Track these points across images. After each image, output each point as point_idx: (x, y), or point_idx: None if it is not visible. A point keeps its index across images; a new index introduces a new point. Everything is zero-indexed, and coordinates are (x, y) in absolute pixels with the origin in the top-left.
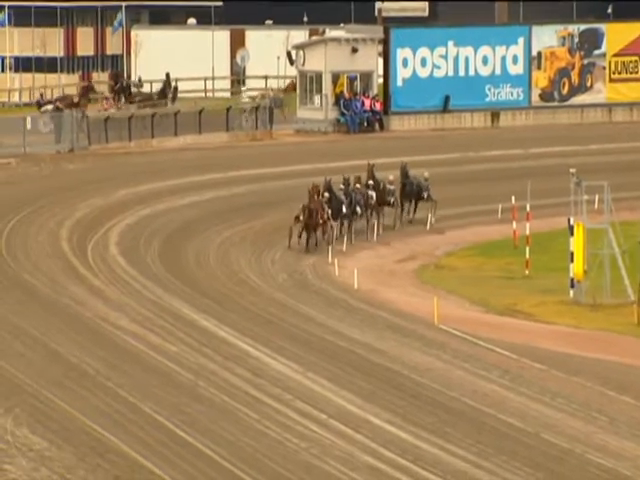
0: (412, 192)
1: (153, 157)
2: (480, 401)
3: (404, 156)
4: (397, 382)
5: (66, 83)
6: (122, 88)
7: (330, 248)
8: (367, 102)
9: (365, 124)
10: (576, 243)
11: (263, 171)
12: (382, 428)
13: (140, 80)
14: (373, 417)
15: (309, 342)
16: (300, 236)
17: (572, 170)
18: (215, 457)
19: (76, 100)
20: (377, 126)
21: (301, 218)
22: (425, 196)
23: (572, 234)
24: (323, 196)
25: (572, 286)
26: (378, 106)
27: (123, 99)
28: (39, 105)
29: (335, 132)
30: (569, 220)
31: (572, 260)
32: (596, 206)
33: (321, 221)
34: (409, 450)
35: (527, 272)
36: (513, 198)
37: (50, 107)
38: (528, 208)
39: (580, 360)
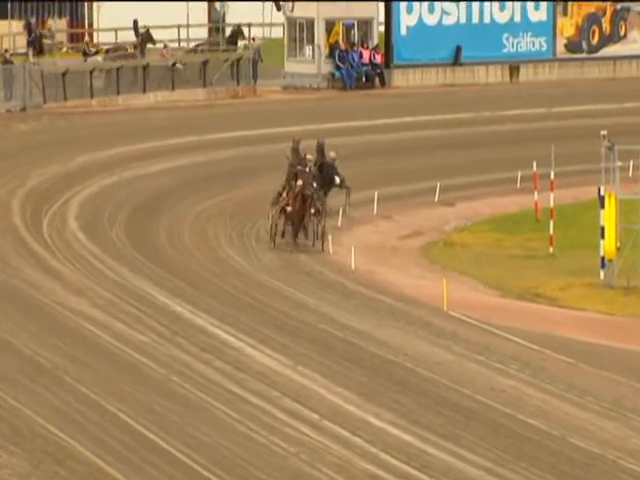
0: (328, 176)
1: (118, 117)
2: (497, 399)
3: (408, 116)
4: (401, 377)
5: (18, 31)
6: (36, 38)
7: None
8: (366, 54)
9: (364, 79)
10: (607, 216)
11: (245, 133)
12: (383, 430)
13: (48, 31)
14: (373, 418)
15: (299, 331)
16: (295, 235)
17: (603, 132)
18: (190, 463)
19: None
20: (377, 82)
21: (288, 209)
22: (338, 181)
23: (603, 206)
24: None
25: (602, 266)
26: (379, 58)
27: (31, 51)
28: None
29: (329, 89)
30: (599, 190)
31: (603, 236)
32: (630, 173)
33: (314, 210)
34: (415, 456)
35: (551, 250)
36: (535, 164)
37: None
38: (552, 176)
39: (612, 352)
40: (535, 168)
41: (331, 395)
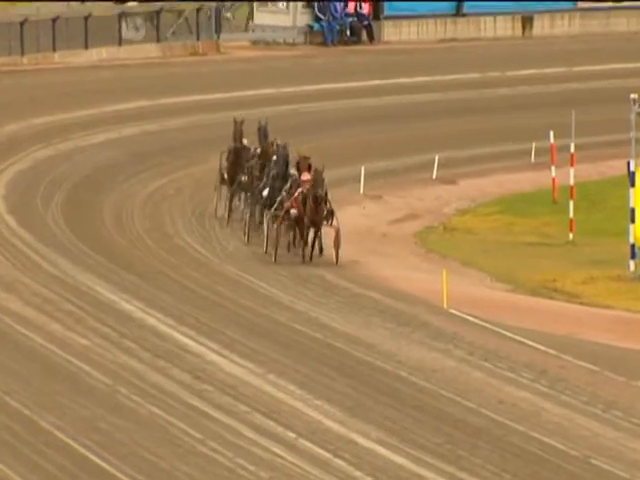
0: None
1: (55, 77)
2: (506, 414)
3: (400, 77)
4: (392, 388)
5: None
6: None
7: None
8: (351, 3)
9: (348, 33)
10: (638, 197)
11: (207, 97)
12: (371, 451)
13: None
14: (359, 436)
15: (271, 333)
16: (295, 244)
17: (633, 96)
18: None
19: None
20: (365, 36)
21: (292, 211)
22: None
23: (633, 184)
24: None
25: (633, 256)
26: (366, 8)
27: None
28: None
29: (306, 44)
30: (629, 164)
31: (633, 220)
32: None
33: (327, 212)
34: None
35: (571, 236)
36: (552, 134)
37: None
38: (572, 148)
39: None
40: (552, 139)
41: (309, 409)
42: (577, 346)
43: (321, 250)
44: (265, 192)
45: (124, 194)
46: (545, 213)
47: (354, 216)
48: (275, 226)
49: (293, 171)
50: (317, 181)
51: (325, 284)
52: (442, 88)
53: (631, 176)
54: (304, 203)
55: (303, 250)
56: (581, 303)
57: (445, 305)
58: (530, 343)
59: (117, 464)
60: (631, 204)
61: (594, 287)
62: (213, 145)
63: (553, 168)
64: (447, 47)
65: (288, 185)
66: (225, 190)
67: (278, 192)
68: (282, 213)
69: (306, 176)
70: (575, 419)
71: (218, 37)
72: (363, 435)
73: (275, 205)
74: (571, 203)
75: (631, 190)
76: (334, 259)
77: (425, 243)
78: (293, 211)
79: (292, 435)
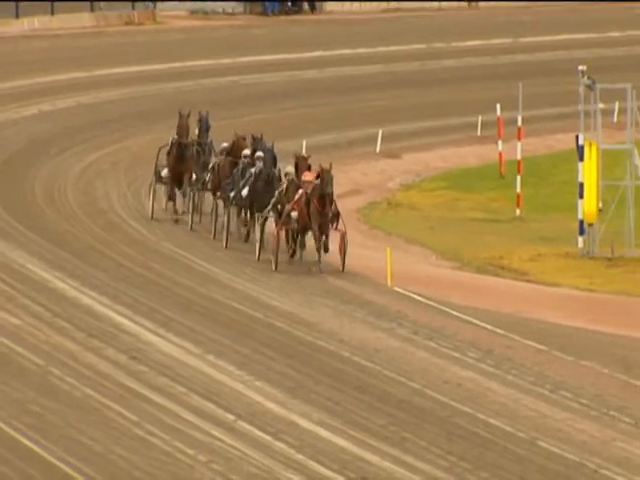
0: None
1: None
2: (452, 395)
3: (344, 48)
4: (334, 368)
5: None
6: None
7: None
8: None
9: (289, 3)
10: (587, 171)
11: (143, 69)
12: (313, 433)
13: None
14: (300, 418)
15: (209, 312)
16: (293, 251)
17: (581, 67)
18: (77, 476)
19: None
20: (306, 6)
21: (293, 215)
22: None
23: (582, 158)
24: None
25: (581, 232)
26: None
27: None
28: None
29: (246, 14)
30: (577, 138)
31: (581, 195)
32: (615, 118)
33: (332, 213)
34: (351, 464)
35: (518, 212)
36: (498, 107)
37: None
38: (519, 122)
39: (593, 337)
40: (499, 112)
41: (249, 391)
42: (524, 325)
43: (326, 250)
44: (244, 192)
45: (57, 168)
46: (491, 188)
47: None
48: (275, 231)
49: (289, 169)
50: (325, 180)
51: (266, 262)
52: (385, 60)
53: (579, 150)
54: (307, 205)
55: (294, 253)
56: (528, 281)
57: (389, 283)
58: (476, 322)
59: (50, 447)
60: (579, 179)
61: (542, 264)
62: (150, 118)
63: (500, 142)
64: (391, 17)
65: (284, 186)
66: (161, 189)
67: (265, 194)
68: (283, 216)
69: (308, 176)
70: (522, 400)
71: (154, 6)
72: (304, 417)
73: (268, 208)
74: (518, 178)
75: (579, 164)
76: (340, 265)
77: (369, 219)
78: (294, 214)
79: (231, 417)
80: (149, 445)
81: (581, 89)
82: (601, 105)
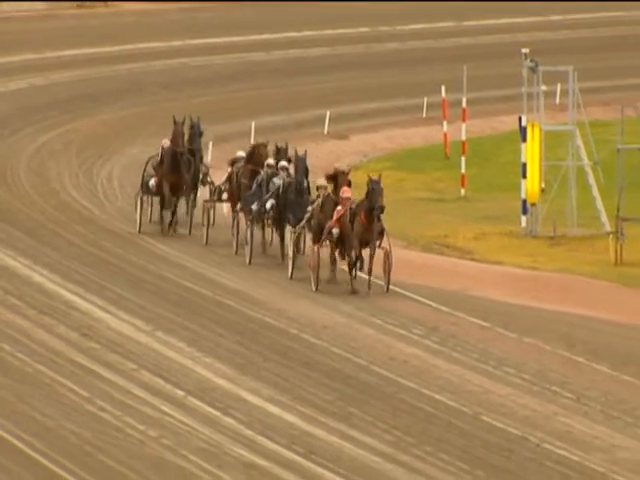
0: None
1: None
2: (397, 371)
3: (291, 31)
4: (282, 345)
5: None
6: None
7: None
8: None
9: None
10: (529, 151)
11: (95, 51)
12: (261, 409)
13: None
14: (249, 394)
15: (159, 290)
16: (334, 268)
17: (525, 50)
18: (28, 451)
19: None
20: None
21: (334, 232)
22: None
23: (524, 139)
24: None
25: (524, 212)
26: None
27: None
28: None
29: None
30: (520, 120)
31: (524, 175)
32: (557, 100)
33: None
34: (299, 439)
35: (463, 192)
36: (443, 89)
37: None
38: (464, 103)
39: (536, 314)
40: (444, 94)
41: (198, 367)
42: (469, 302)
43: (361, 267)
44: (269, 204)
45: (10, 149)
46: (437, 169)
47: None
48: (315, 248)
49: (322, 182)
50: (375, 192)
51: (214, 241)
52: (331, 42)
53: (522, 131)
54: (351, 221)
55: (350, 272)
56: (473, 259)
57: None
58: (421, 299)
59: (1, 422)
60: (522, 159)
61: (485, 243)
62: (102, 99)
63: (445, 123)
64: (334, 4)
65: (319, 201)
66: (150, 201)
67: (296, 206)
68: (325, 234)
69: (347, 193)
70: (466, 375)
71: None
72: (253, 393)
73: (302, 223)
74: (463, 158)
75: (522, 145)
76: (385, 285)
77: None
78: (335, 230)
79: (181, 393)
80: (100, 420)
81: (524, 72)
82: (543, 87)
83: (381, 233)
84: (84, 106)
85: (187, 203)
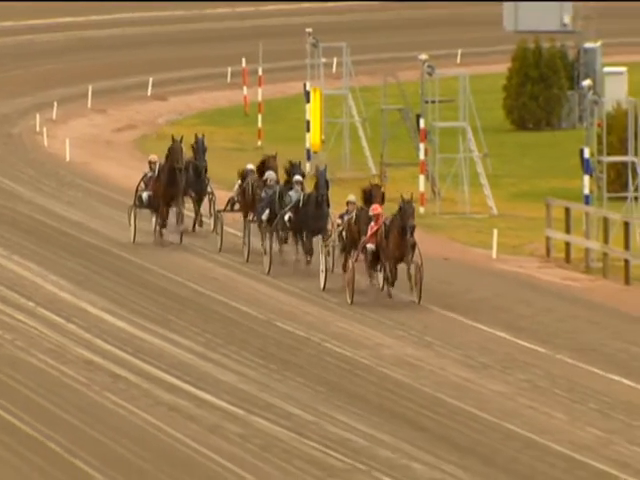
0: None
1: None
2: (209, 286)
3: (116, 13)
4: (116, 266)
5: None
6: None
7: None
8: None
9: None
10: (312, 111)
11: None
12: (98, 317)
13: None
14: (87, 305)
15: (15, 222)
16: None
17: (308, 30)
18: None
19: None
20: None
21: (369, 246)
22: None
23: (308, 101)
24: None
25: (308, 158)
26: None
27: None
28: None
29: None
30: (305, 85)
31: (308, 129)
32: (334, 70)
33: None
34: (129, 341)
35: (259, 143)
36: (244, 60)
37: None
38: (260, 72)
39: None
40: (244, 64)
41: (47, 284)
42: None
43: (392, 282)
44: (286, 217)
45: None
46: (239, 124)
47: (83, 126)
48: (350, 264)
49: (351, 198)
50: (407, 212)
51: (60, 181)
52: (152, 22)
53: (307, 95)
54: (386, 237)
55: (383, 287)
56: None
57: None
58: (231, 230)
59: None
60: (307, 117)
61: None
62: None
63: (245, 88)
64: None
65: (352, 215)
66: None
67: (316, 218)
68: (359, 249)
69: (377, 210)
70: (262, 289)
71: None
72: (92, 304)
73: (333, 237)
74: (259, 116)
75: (307, 106)
76: (415, 297)
77: (142, 148)
78: (370, 246)
79: (32, 304)
80: None
81: (308, 47)
82: (323, 59)
83: (413, 247)
84: None
85: (177, 215)
